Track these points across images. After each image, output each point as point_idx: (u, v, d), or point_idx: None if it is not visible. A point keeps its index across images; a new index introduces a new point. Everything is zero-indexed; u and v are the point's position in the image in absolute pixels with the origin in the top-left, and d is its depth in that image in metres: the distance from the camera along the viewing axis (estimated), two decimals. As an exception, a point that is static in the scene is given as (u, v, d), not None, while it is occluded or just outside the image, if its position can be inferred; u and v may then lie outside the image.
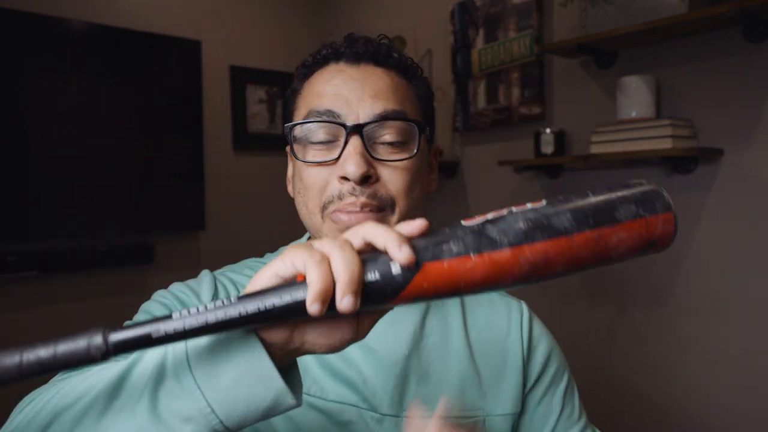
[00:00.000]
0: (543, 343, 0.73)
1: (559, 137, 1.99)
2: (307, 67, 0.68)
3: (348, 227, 0.59)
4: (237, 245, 2.69)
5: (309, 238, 0.75)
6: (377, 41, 0.68)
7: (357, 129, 0.61)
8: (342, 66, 0.65)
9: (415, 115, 0.66)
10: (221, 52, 2.76)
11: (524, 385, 0.70)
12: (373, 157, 0.62)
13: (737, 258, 1.66)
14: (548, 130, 1.99)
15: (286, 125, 0.65)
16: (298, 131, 0.64)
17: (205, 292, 0.67)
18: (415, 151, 0.63)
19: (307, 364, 0.65)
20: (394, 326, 0.66)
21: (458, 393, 0.66)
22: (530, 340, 0.72)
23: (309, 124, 0.63)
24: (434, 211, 2.57)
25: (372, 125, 0.62)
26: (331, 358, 0.64)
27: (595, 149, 1.79)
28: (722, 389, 1.68)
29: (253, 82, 2.85)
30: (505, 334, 0.71)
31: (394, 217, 0.63)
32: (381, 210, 0.62)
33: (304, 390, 0.63)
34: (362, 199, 0.61)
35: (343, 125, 0.61)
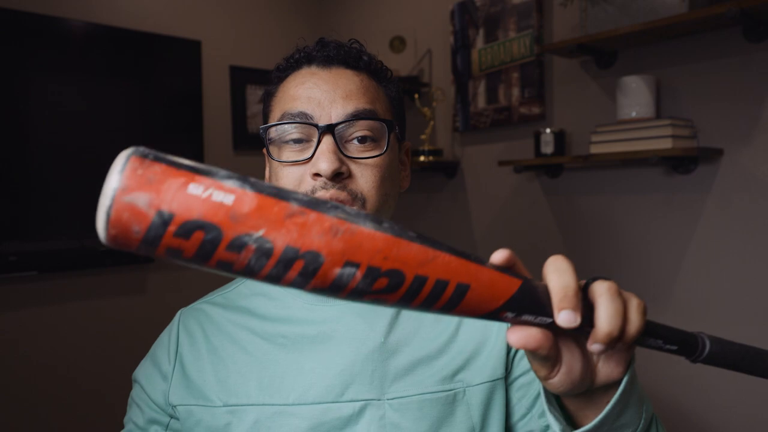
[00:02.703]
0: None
1: (559, 137, 1.99)
2: (281, 71, 0.71)
3: None
4: (237, 245, 2.68)
5: None
6: (348, 45, 0.71)
7: (329, 129, 0.64)
8: (314, 69, 0.69)
9: (386, 115, 0.69)
10: (221, 52, 2.76)
11: (507, 355, 0.71)
12: (344, 155, 0.65)
13: (737, 258, 1.66)
14: (548, 130, 1.99)
15: (261, 127, 0.69)
16: (273, 133, 0.67)
17: (164, 361, 0.72)
18: (385, 148, 0.67)
19: (284, 371, 0.67)
20: (370, 317, 0.69)
21: (437, 367, 0.68)
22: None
23: (284, 126, 0.66)
24: (434, 211, 2.57)
25: (343, 125, 0.65)
26: (307, 360, 0.67)
27: (595, 149, 1.79)
28: (722, 389, 1.68)
29: (253, 82, 2.85)
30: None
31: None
32: (351, 204, 0.64)
33: (283, 401, 0.66)
34: (332, 191, 0.63)
35: (316, 126, 0.64)
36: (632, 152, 1.69)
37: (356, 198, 0.65)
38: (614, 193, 1.94)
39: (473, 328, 0.71)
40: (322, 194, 0.64)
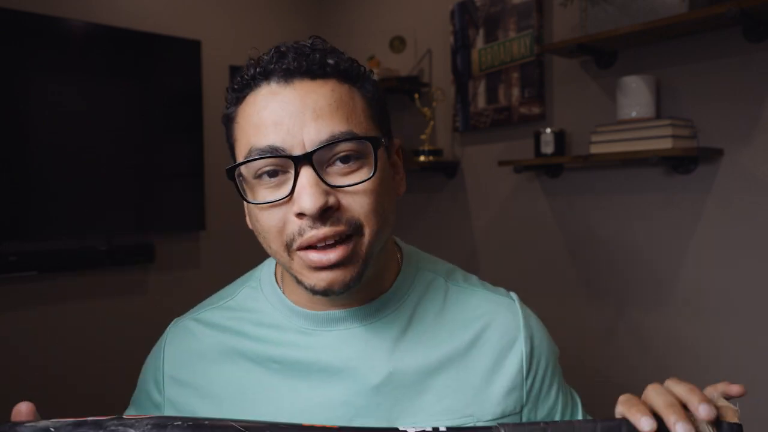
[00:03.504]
0: (543, 354, 0.71)
1: (559, 137, 1.99)
2: (237, 91, 0.61)
3: (320, 266, 0.57)
4: (237, 245, 2.68)
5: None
6: (309, 49, 0.59)
7: (305, 158, 0.55)
8: (274, 87, 0.58)
9: (366, 125, 0.60)
10: (221, 52, 2.76)
11: (521, 391, 0.69)
12: (329, 185, 0.56)
13: (737, 258, 1.66)
14: (548, 130, 1.99)
15: (227, 168, 0.59)
16: (243, 170, 0.59)
17: (153, 391, 0.71)
18: (374, 170, 0.58)
19: (279, 400, 0.64)
20: (372, 343, 0.65)
21: (448, 400, 0.65)
22: (531, 354, 0.70)
23: (253, 163, 0.57)
24: (434, 211, 2.57)
25: (321, 151, 0.56)
26: (304, 389, 0.64)
27: (595, 149, 1.79)
28: (722, 389, 1.68)
29: (253, 82, 2.85)
30: (500, 335, 0.69)
31: (365, 239, 0.58)
32: (348, 237, 0.57)
33: None
34: (324, 229, 0.56)
35: (290, 157, 0.55)
36: (632, 152, 1.69)
37: (353, 226, 0.57)
38: (614, 193, 1.94)
39: (484, 355, 0.68)
40: (313, 234, 0.56)
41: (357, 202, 0.57)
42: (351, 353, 0.64)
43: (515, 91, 2.20)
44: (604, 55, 1.92)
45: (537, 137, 2.02)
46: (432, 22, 2.55)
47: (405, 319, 0.67)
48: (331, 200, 0.56)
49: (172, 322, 0.74)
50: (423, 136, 2.45)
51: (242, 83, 0.60)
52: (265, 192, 0.58)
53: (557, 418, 0.71)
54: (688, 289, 1.76)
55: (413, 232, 2.61)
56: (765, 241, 1.60)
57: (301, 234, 0.56)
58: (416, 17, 2.62)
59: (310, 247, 0.57)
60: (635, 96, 1.73)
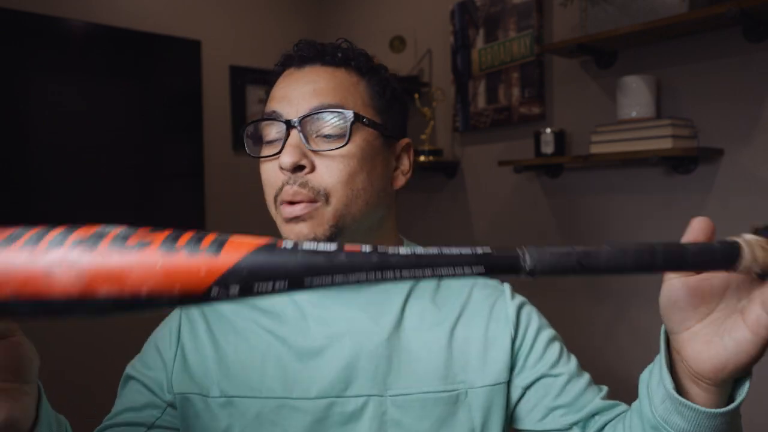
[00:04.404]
0: (533, 321, 0.74)
1: (559, 137, 1.99)
2: (271, 76, 0.74)
3: (289, 217, 0.65)
4: (237, 245, 2.69)
5: None
6: (327, 43, 0.71)
7: (294, 123, 0.65)
8: (291, 70, 0.70)
9: (363, 108, 0.68)
10: (221, 52, 2.76)
11: (512, 354, 0.71)
12: (310, 149, 0.65)
13: (737, 258, 1.66)
14: (548, 130, 1.99)
15: (241, 128, 0.72)
16: (250, 129, 0.70)
17: (166, 347, 0.72)
18: (347, 139, 0.64)
19: (287, 364, 0.67)
20: (374, 313, 0.69)
21: (440, 367, 0.68)
22: (518, 317, 0.73)
23: (258, 123, 0.69)
24: (434, 211, 2.57)
25: (308, 118, 0.65)
26: (311, 354, 0.67)
27: (595, 149, 1.79)
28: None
29: (253, 82, 2.85)
30: (490, 308, 0.73)
31: (329, 208, 0.65)
32: (314, 201, 0.64)
33: (286, 394, 0.65)
34: (295, 187, 0.64)
35: (283, 121, 0.66)
36: (632, 152, 1.69)
37: (318, 194, 0.64)
38: (614, 193, 1.94)
39: (477, 326, 0.71)
40: (286, 189, 0.64)
41: (328, 170, 0.64)
42: (352, 319, 0.68)
43: (515, 91, 2.20)
44: (604, 55, 1.92)
45: (537, 137, 2.02)
46: (432, 22, 2.55)
47: (404, 295, 0.71)
48: (305, 161, 0.64)
49: None
50: (423, 136, 2.45)
51: (274, 71, 0.73)
52: (266, 149, 0.69)
53: (556, 386, 0.71)
54: (688, 289, 1.76)
55: (413, 232, 2.62)
56: (765, 241, 1.60)
57: (281, 188, 0.65)
58: (416, 17, 2.62)
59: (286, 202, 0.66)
60: (635, 96, 1.73)
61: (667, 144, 1.62)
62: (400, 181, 0.74)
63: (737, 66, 1.63)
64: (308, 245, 0.35)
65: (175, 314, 0.74)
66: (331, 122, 0.65)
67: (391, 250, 0.36)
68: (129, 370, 0.73)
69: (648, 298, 1.85)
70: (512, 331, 0.71)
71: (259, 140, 0.70)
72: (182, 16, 2.65)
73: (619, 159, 1.78)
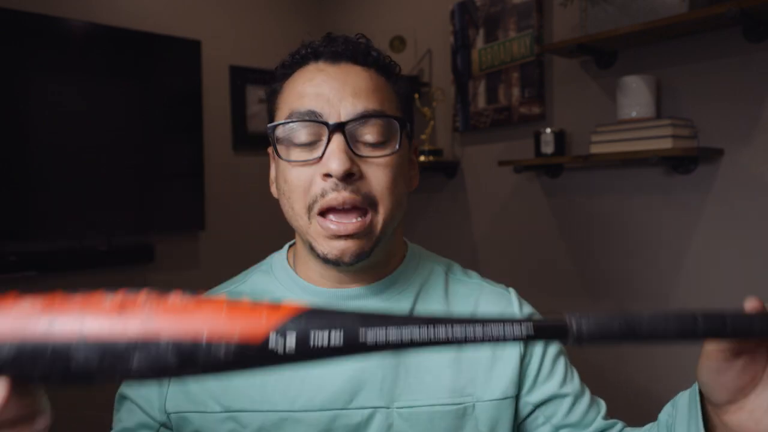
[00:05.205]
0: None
1: (559, 137, 1.99)
2: (286, 67, 0.68)
3: (336, 235, 0.61)
4: (237, 245, 2.69)
5: (291, 246, 0.76)
6: (356, 40, 0.68)
7: (339, 127, 0.61)
8: (322, 65, 0.65)
9: (395, 112, 0.66)
10: (221, 52, 2.76)
11: (521, 368, 0.70)
12: (356, 154, 0.62)
13: (737, 258, 1.66)
14: (548, 130, 1.99)
15: (268, 126, 0.65)
16: (280, 132, 0.64)
17: None
18: (397, 147, 0.64)
19: (289, 375, 0.65)
20: None
21: (447, 380, 0.67)
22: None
23: (291, 125, 0.63)
24: (434, 211, 2.57)
25: (354, 123, 0.62)
26: (316, 367, 0.64)
27: (595, 149, 1.79)
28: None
29: (253, 82, 2.85)
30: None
31: (379, 216, 0.63)
32: (365, 212, 0.62)
33: (288, 407, 0.64)
34: (345, 194, 0.61)
35: (326, 124, 0.61)
36: (632, 152, 1.69)
37: (371, 202, 0.62)
38: (614, 193, 1.94)
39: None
40: (334, 197, 0.61)
41: (377, 176, 0.63)
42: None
43: (515, 91, 2.20)
44: (604, 55, 1.92)
45: (537, 137, 2.02)
46: (432, 22, 2.55)
47: (411, 300, 0.70)
48: (355, 168, 0.61)
49: None
50: (423, 136, 2.45)
51: (291, 61, 0.67)
52: (299, 153, 0.63)
53: (564, 406, 0.71)
54: (687, 289, 1.76)
55: (413, 232, 2.61)
56: (765, 241, 1.60)
57: (323, 195, 0.61)
58: (416, 17, 2.62)
59: (329, 211, 0.62)
60: (635, 96, 1.73)
61: (667, 144, 1.62)
62: (415, 181, 0.73)
63: (737, 66, 1.63)
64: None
65: None
66: (378, 128, 0.63)
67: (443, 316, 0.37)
68: (122, 388, 0.73)
69: (648, 298, 1.85)
70: (522, 346, 0.70)
71: (287, 141, 0.64)
72: (182, 16, 2.65)
73: (619, 159, 1.78)
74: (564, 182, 2.09)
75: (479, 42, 2.32)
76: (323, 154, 0.61)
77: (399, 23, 2.68)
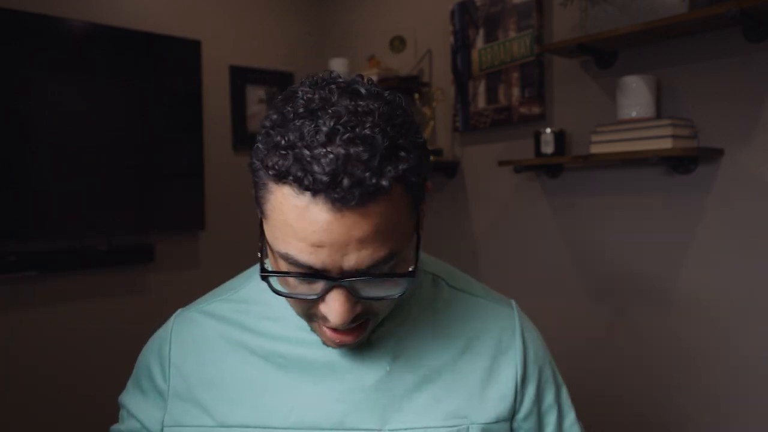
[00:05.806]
0: (537, 366, 0.72)
1: (559, 137, 1.99)
2: (275, 169, 0.52)
3: (340, 346, 0.60)
4: (237, 245, 2.69)
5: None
6: (365, 162, 0.49)
7: (340, 281, 0.53)
8: (322, 206, 0.49)
9: (406, 225, 0.54)
10: (221, 52, 2.76)
11: (516, 391, 0.69)
12: (360, 296, 0.55)
13: (737, 258, 1.66)
14: (548, 130, 1.99)
15: (261, 274, 0.55)
16: (273, 280, 0.58)
17: (158, 377, 0.70)
18: (404, 290, 0.56)
19: (281, 393, 0.65)
20: (373, 342, 0.66)
21: (442, 402, 0.66)
22: (525, 363, 0.71)
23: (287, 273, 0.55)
24: (434, 211, 2.57)
25: (356, 278, 0.53)
26: (306, 384, 0.65)
27: (595, 149, 1.79)
28: (722, 389, 1.68)
29: (253, 82, 2.85)
30: (497, 342, 0.70)
31: (378, 317, 0.62)
32: (366, 321, 0.60)
33: (280, 423, 0.64)
34: (345, 331, 0.59)
35: (326, 279, 0.53)
36: (632, 152, 1.69)
37: (372, 314, 0.60)
38: (614, 193, 1.94)
39: (482, 358, 0.69)
40: (331, 334, 0.59)
41: (380, 304, 0.59)
42: (352, 351, 0.66)
43: (515, 91, 2.20)
44: (604, 55, 1.92)
45: (537, 137, 2.02)
46: (432, 22, 2.55)
47: (406, 321, 0.69)
48: (358, 308, 0.56)
49: (176, 312, 0.75)
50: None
51: (281, 166, 0.51)
52: (297, 282, 0.56)
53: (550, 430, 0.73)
54: (688, 290, 1.76)
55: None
56: (765, 242, 1.60)
57: (324, 320, 0.57)
58: (416, 17, 2.62)
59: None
60: (635, 96, 1.73)
61: (667, 144, 1.63)
62: (425, 218, 0.63)
63: (737, 66, 1.63)
64: None
65: (165, 338, 0.72)
66: (385, 277, 0.54)
67: None
68: (121, 398, 0.73)
69: (648, 299, 1.85)
70: (520, 370, 0.70)
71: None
72: (182, 16, 2.65)
73: (619, 159, 1.78)
74: (564, 182, 2.09)
75: (479, 42, 2.32)
76: (323, 297, 0.55)
77: (399, 23, 2.68)
